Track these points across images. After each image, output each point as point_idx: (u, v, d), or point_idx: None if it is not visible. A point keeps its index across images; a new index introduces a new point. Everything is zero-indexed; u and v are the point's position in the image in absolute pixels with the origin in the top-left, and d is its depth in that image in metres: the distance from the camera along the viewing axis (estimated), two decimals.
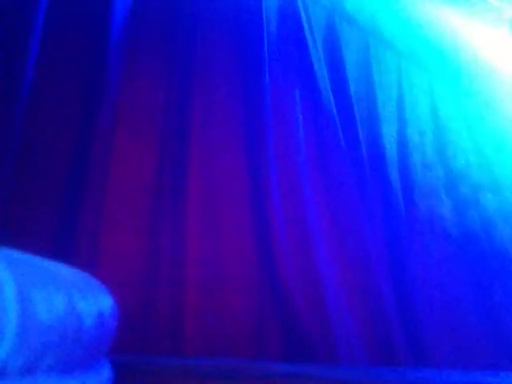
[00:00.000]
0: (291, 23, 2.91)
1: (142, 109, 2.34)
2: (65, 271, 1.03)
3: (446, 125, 3.51)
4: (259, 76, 2.65)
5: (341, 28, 3.16)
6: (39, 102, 1.99)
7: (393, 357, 2.52)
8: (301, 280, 2.41)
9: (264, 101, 2.61)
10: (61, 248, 1.91)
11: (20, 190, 1.91)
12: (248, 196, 2.49)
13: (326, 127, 2.82)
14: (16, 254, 0.88)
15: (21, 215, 1.89)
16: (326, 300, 2.43)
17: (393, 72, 3.38)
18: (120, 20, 2.30)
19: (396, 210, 2.99)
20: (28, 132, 1.94)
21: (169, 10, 2.55)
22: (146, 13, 2.46)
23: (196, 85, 2.50)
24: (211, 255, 2.31)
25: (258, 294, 2.37)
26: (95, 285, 1.14)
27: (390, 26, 3.33)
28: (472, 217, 3.31)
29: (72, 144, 2.10)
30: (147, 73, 2.40)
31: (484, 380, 2.14)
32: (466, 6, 3.30)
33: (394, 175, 3.09)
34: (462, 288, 3.04)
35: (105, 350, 1.13)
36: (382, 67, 3.31)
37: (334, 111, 2.86)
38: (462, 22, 3.38)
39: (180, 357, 2.07)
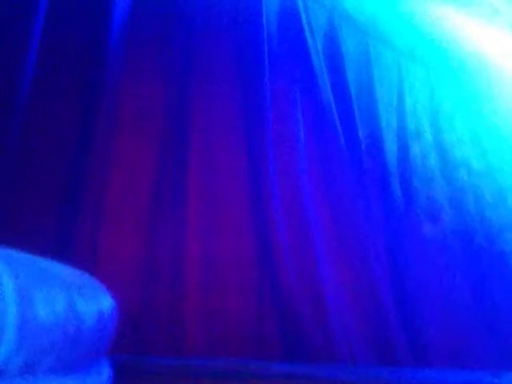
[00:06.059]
0: (291, 23, 2.91)
1: (142, 109, 2.34)
2: (65, 271, 1.02)
3: (447, 124, 3.51)
4: (259, 76, 2.65)
5: (341, 28, 3.16)
6: (39, 102, 1.99)
7: (393, 357, 2.52)
8: (301, 280, 2.41)
9: (264, 101, 2.61)
10: (61, 248, 1.91)
11: (19, 189, 1.91)
12: (248, 196, 2.49)
13: (326, 127, 2.82)
14: (16, 254, 0.88)
15: (20, 215, 1.89)
16: (326, 300, 2.43)
17: (393, 71, 3.38)
18: (120, 20, 2.30)
19: (396, 210, 2.99)
20: (28, 132, 1.93)
21: (169, 10, 2.55)
22: (146, 13, 2.46)
23: (196, 85, 2.50)
24: (211, 255, 2.31)
25: (258, 295, 2.37)
26: (95, 285, 1.14)
27: (389, 26, 3.33)
28: (472, 219, 3.32)
29: (72, 143, 2.10)
30: (147, 73, 2.40)
31: (484, 380, 2.15)
32: (466, 5, 3.30)
33: (394, 175, 3.09)
34: (461, 288, 3.04)
35: (105, 349, 1.13)
36: (382, 67, 3.31)
37: (334, 111, 2.86)
38: (462, 21, 3.38)
39: (180, 357, 2.06)
